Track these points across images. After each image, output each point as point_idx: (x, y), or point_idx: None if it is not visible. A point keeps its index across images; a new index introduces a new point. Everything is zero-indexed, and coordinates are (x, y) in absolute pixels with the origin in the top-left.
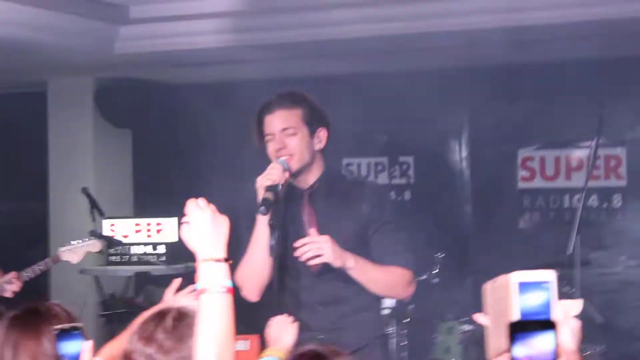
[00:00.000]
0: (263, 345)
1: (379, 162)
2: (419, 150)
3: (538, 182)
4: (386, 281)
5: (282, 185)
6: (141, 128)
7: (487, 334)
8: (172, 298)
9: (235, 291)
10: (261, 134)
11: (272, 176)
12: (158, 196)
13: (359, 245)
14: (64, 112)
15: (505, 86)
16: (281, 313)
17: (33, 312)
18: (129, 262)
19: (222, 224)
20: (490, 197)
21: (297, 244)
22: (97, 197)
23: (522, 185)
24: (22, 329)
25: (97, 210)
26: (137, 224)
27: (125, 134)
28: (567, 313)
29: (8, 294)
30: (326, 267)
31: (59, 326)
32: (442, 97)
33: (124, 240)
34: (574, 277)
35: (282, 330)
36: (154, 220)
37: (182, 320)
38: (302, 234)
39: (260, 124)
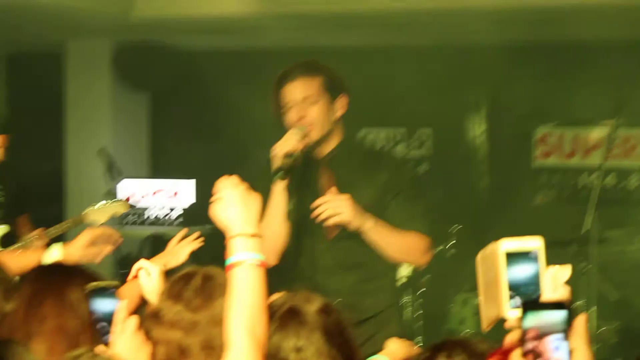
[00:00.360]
0: None
1: (397, 133)
2: (438, 122)
3: (555, 160)
4: (403, 246)
5: (299, 152)
6: (159, 91)
7: (480, 304)
8: (175, 247)
9: None
10: (279, 103)
11: (289, 143)
12: (175, 159)
13: (376, 215)
14: (82, 74)
15: (525, 64)
16: (298, 277)
17: (58, 269)
18: (145, 224)
19: (254, 201)
20: (507, 172)
21: (315, 203)
22: (115, 157)
23: (539, 162)
24: (47, 286)
25: (114, 171)
26: (154, 186)
27: (143, 97)
28: (556, 281)
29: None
30: (344, 233)
31: (94, 283)
32: (463, 71)
33: (141, 202)
34: (590, 254)
35: None
36: (170, 182)
37: (211, 281)
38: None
39: (278, 92)
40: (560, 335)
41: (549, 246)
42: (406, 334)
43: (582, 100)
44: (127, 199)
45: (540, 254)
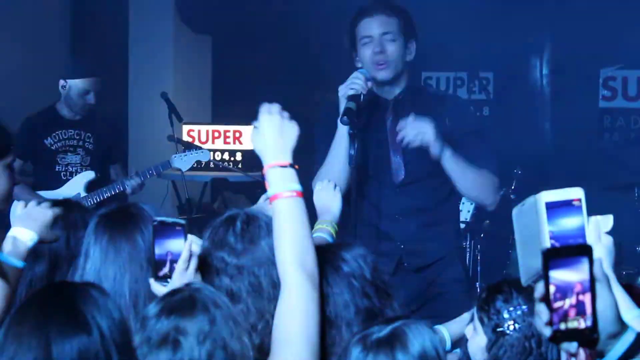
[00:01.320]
0: None
1: (458, 77)
2: (499, 66)
3: (619, 102)
4: (477, 179)
5: (363, 95)
6: (222, 34)
7: (518, 259)
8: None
9: (311, 198)
10: (355, 38)
11: (354, 85)
12: (236, 103)
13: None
14: (145, 15)
15: (589, 4)
16: (359, 222)
17: (124, 212)
18: (206, 168)
19: (290, 130)
20: (570, 115)
21: (399, 126)
22: (176, 102)
23: (602, 104)
24: (114, 227)
25: (175, 115)
26: (215, 131)
27: (206, 39)
28: (599, 230)
29: (129, 191)
30: (407, 178)
31: (160, 218)
32: (524, 13)
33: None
34: None
35: (328, 198)
36: (232, 128)
37: (252, 223)
38: (385, 144)
39: (355, 26)
40: (585, 282)
41: (613, 190)
42: (467, 279)
43: None
44: (184, 143)
45: (583, 205)
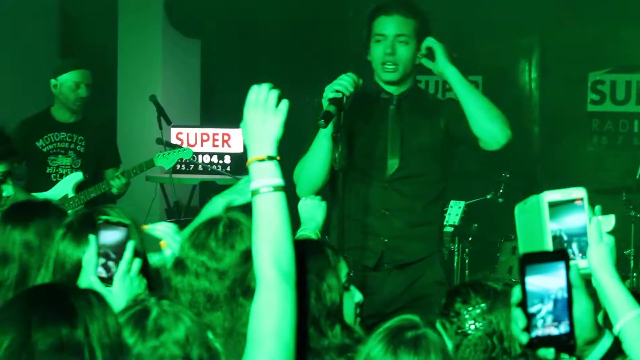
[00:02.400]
0: None
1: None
2: (488, 69)
3: (608, 106)
4: (488, 107)
5: (347, 98)
6: (210, 37)
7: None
8: (242, 185)
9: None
10: (369, 31)
11: (338, 87)
12: (225, 106)
13: (434, 158)
14: (134, 19)
15: (577, 9)
16: (346, 217)
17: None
18: (194, 171)
19: (273, 119)
20: (558, 119)
21: None
22: (165, 105)
23: (591, 108)
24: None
25: (164, 118)
26: (204, 134)
27: (194, 43)
28: (600, 231)
29: (115, 191)
30: (399, 173)
31: (105, 217)
32: (513, 18)
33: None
34: None
35: (314, 208)
36: (220, 131)
37: (235, 227)
38: (384, 136)
39: (372, 20)
40: (562, 288)
41: (601, 193)
42: (448, 282)
43: (635, 45)
44: (172, 147)
45: (586, 205)
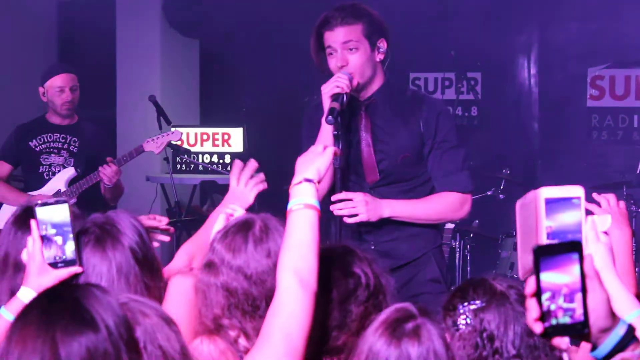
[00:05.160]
0: None
1: (446, 78)
2: (487, 66)
3: (607, 101)
4: (431, 213)
5: (346, 95)
6: (209, 37)
7: (518, 252)
8: (241, 190)
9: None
10: (320, 48)
11: (338, 84)
12: (224, 106)
13: (415, 161)
14: (133, 19)
15: (576, 4)
16: (332, 221)
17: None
18: (195, 171)
19: (321, 157)
20: (558, 115)
21: (333, 197)
22: (164, 105)
23: (591, 103)
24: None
25: (164, 118)
26: (203, 133)
27: (193, 43)
28: (596, 229)
29: (106, 180)
30: (381, 181)
31: (43, 200)
32: (512, 13)
33: (191, 149)
34: None
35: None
36: (220, 130)
37: (269, 232)
38: (358, 145)
39: (319, 37)
40: (576, 278)
41: (601, 188)
42: (444, 278)
43: (634, 40)
44: (173, 147)
45: (582, 203)
